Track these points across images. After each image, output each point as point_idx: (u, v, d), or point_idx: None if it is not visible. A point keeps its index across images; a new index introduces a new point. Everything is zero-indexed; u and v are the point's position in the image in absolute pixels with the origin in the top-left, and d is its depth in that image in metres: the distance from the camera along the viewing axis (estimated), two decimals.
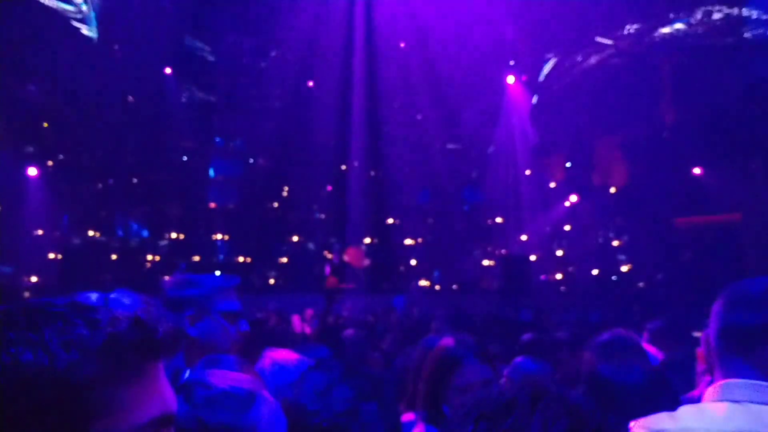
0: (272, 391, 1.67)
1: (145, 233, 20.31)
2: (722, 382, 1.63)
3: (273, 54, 19.60)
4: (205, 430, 1.41)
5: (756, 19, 15.33)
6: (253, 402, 1.47)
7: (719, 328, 1.68)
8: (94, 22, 15.73)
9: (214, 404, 1.43)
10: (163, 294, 2.46)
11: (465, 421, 0.98)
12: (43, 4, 15.01)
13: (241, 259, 20.33)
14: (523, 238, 19.23)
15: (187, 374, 1.54)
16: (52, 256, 18.45)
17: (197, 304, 2.41)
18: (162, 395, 0.85)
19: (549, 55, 17.62)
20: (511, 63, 19.05)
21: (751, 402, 1.56)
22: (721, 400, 1.61)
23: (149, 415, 0.82)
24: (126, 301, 0.86)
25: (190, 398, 1.44)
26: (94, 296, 0.87)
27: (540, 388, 1.01)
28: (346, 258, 10.71)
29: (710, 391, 1.65)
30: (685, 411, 1.65)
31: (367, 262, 10.39)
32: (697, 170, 16.04)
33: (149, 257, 20.13)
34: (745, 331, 1.63)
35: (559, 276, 19.11)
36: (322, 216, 20.63)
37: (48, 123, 17.86)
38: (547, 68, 17.87)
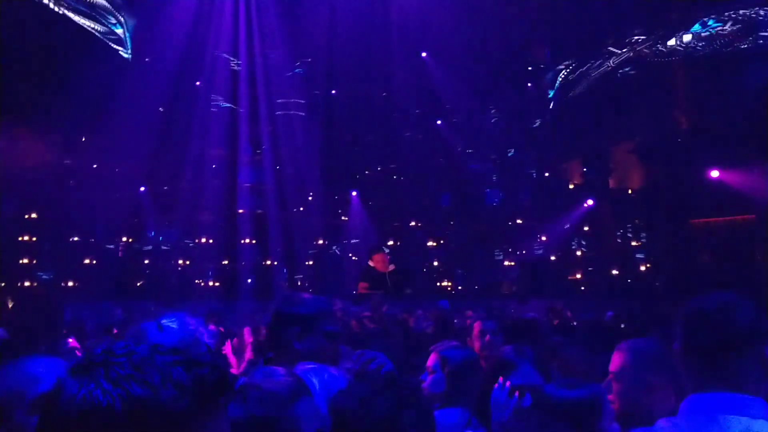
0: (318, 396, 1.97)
1: (176, 238, 20.85)
2: (693, 395, 1.77)
3: (298, 64, 20.09)
4: (255, 422, 1.64)
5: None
6: (296, 399, 1.71)
7: (683, 345, 1.82)
8: (129, 44, 16.28)
9: (263, 401, 1.68)
10: (275, 307, 2.75)
11: None
12: (78, 24, 15.56)
13: (268, 262, 20.75)
14: (543, 239, 19.57)
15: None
16: (87, 261, 19.08)
17: (303, 322, 2.62)
18: (228, 422, 1.06)
19: (565, 62, 17.87)
20: (529, 69, 19.41)
21: (718, 413, 1.70)
22: (693, 413, 1.75)
23: None
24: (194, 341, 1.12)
25: (244, 398, 1.69)
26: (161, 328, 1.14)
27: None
28: (371, 263, 11.05)
29: (684, 405, 1.79)
30: (661, 425, 1.83)
31: (392, 267, 10.73)
32: (713, 173, 16.17)
33: (180, 261, 20.68)
34: (705, 346, 1.76)
35: (578, 276, 19.46)
36: (346, 219, 21.02)
37: (84, 136, 18.42)
38: (563, 74, 18.14)
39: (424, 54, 19.24)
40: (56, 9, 14.74)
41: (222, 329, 9.84)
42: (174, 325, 2.20)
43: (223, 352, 6.64)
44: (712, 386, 1.72)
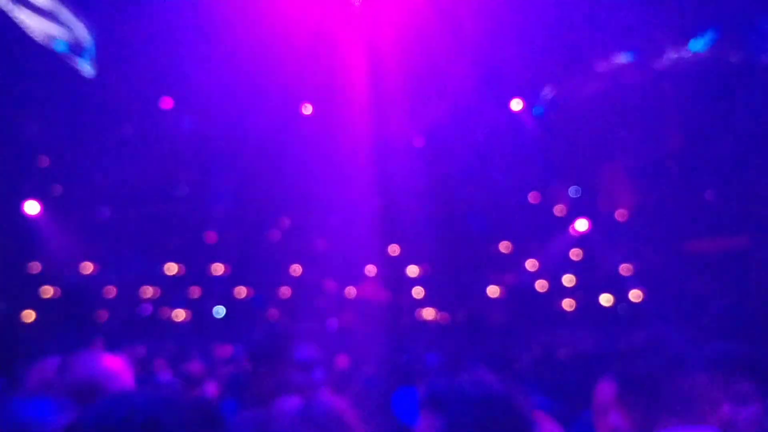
0: None
1: (143, 266, 20.04)
2: None
3: (269, 81, 19.49)
4: None
5: (759, 43, 15.40)
6: None
7: (626, 380, 1.79)
8: (92, 59, 15.72)
9: None
10: None
11: None
12: (38, 44, 14.91)
13: (240, 291, 20.13)
14: (531, 265, 19.16)
15: None
16: (48, 291, 18.31)
17: None
18: None
19: (552, 82, 17.62)
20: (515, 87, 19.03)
21: None
22: None
23: None
24: None
25: None
26: None
27: None
28: (365, 293, 10.44)
29: None
30: None
31: (385, 295, 10.10)
32: (705, 195, 16.12)
33: (147, 290, 19.87)
34: (651, 380, 1.74)
35: (567, 303, 18.99)
36: (324, 245, 20.38)
37: (45, 158, 17.74)
38: (550, 94, 17.88)
39: (405, 73, 18.77)
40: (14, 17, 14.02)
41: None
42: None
43: None
44: (663, 422, 1.69)
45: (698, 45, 15.71)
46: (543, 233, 18.98)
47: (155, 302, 19.61)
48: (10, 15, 14.10)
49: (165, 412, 1.03)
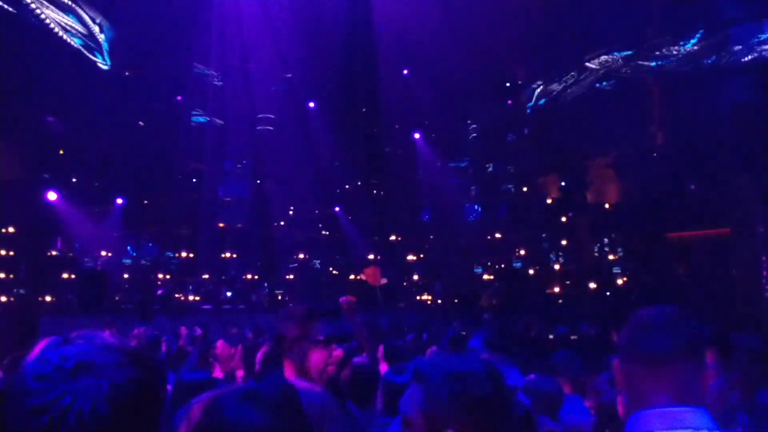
0: None
1: (156, 252, 20.74)
2: (638, 413, 1.70)
3: (278, 77, 20.08)
4: None
5: (738, 45, 15.79)
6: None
7: (627, 354, 1.75)
8: (106, 53, 16.17)
9: None
10: None
11: None
12: (59, 38, 15.44)
13: (248, 276, 20.65)
14: (522, 252, 19.68)
15: None
16: (66, 276, 18.83)
17: None
18: None
19: (542, 79, 18.06)
20: (507, 85, 19.61)
21: (661, 430, 1.64)
22: None
23: None
24: None
25: None
26: None
27: None
28: (363, 276, 10.87)
29: (629, 424, 1.72)
30: None
31: (384, 280, 10.53)
32: (687, 187, 16.37)
33: (160, 276, 20.53)
34: (651, 356, 1.70)
35: (556, 289, 19.61)
36: (327, 233, 21.01)
37: (63, 149, 18.25)
38: (540, 91, 18.33)
39: (405, 71, 19.34)
40: (38, 13, 14.56)
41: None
42: None
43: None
44: (656, 399, 1.68)
45: (685, 45, 16.09)
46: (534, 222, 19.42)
47: (169, 286, 20.07)
48: (33, 11, 14.61)
49: (92, 357, 1.05)
